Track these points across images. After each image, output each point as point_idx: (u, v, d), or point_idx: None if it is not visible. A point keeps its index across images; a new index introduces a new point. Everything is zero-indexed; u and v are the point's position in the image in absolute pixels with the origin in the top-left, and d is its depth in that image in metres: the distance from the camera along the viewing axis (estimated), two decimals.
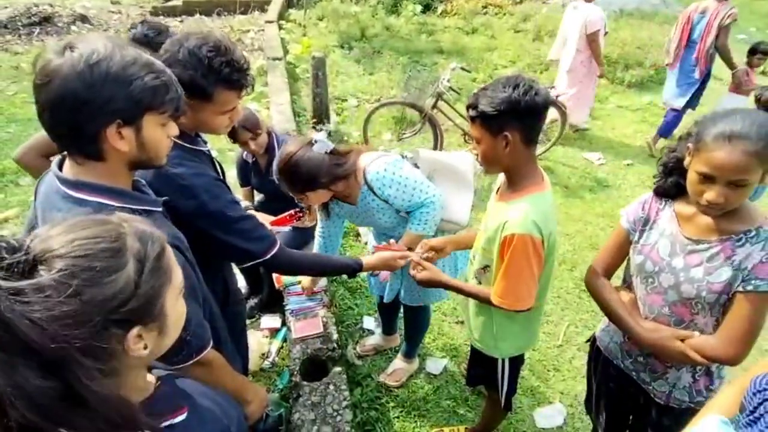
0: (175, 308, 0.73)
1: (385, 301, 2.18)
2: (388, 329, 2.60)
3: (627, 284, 1.49)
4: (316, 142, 1.65)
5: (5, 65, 6.92)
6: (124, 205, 0.96)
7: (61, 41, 0.91)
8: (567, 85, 4.78)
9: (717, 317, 1.25)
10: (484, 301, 1.50)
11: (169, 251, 0.73)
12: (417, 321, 2.35)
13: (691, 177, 1.17)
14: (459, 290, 1.60)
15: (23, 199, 3.82)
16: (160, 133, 0.98)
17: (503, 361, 1.71)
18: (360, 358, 2.58)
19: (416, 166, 1.90)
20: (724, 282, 1.19)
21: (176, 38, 1.24)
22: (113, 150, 0.92)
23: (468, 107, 1.36)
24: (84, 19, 8.41)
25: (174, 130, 1.03)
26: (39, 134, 1.83)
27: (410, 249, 1.72)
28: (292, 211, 2.06)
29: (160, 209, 1.07)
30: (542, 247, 1.35)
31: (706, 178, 1.12)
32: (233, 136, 2.46)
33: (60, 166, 0.99)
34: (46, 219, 0.97)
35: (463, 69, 4.56)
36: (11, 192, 3.95)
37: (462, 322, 2.81)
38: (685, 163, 1.21)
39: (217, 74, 1.21)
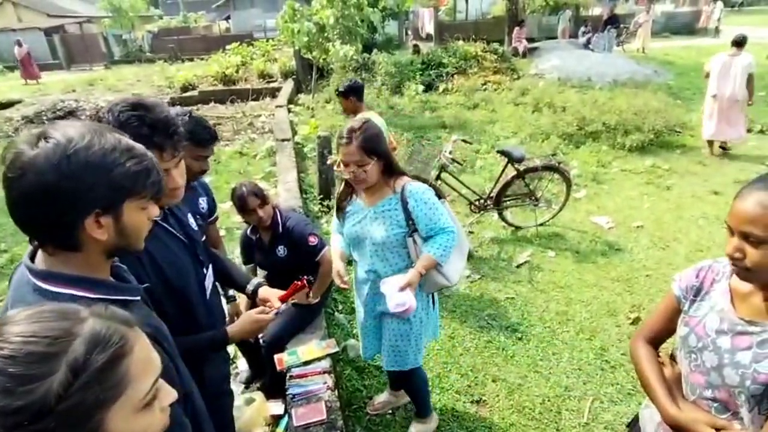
0: (132, 422, 0.64)
1: (363, 358, 2.30)
2: (395, 386, 2.55)
3: (672, 357, 1.34)
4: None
5: None
6: (100, 296, 0.90)
7: (33, 131, 0.86)
8: (731, 112, 6.06)
9: (767, 414, 1.07)
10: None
11: (135, 357, 0.64)
12: (411, 382, 2.30)
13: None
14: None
15: None
16: (140, 218, 0.93)
17: None
18: None
19: None
20: None
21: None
22: (91, 239, 0.87)
23: None
24: None
25: (155, 211, 0.98)
26: None
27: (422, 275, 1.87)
28: (296, 282, 1.99)
29: (138, 298, 1.01)
30: None
31: (729, 230, 1.06)
32: (242, 205, 2.47)
33: (32, 256, 0.93)
34: None
35: (464, 141, 4.69)
36: None
37: (479, 401, 2.62)
38: None
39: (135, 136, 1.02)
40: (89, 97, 10.33)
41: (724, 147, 6.44)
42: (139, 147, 0.92)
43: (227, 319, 2.19)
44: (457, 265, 2.03)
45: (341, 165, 1.85)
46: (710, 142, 6.35)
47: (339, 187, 2.08)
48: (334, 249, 2.13)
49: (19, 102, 10.60)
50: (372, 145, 1.80)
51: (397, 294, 1.81)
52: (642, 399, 2.54)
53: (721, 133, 6.20)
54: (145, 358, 0.66)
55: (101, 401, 0.59)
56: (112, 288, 0.95)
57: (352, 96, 4.01)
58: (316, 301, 2.64)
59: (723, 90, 6.01)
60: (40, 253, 0.93)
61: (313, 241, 2.52)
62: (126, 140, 0.91)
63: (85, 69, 21.20)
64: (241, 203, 2.47)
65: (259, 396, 2.60)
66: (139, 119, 1.21)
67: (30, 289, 0.88)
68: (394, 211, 1.89)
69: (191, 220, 1.55)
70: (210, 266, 1.64)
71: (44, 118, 8.66)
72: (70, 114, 8.80)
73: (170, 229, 1.41)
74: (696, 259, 3.95)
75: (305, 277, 1.89)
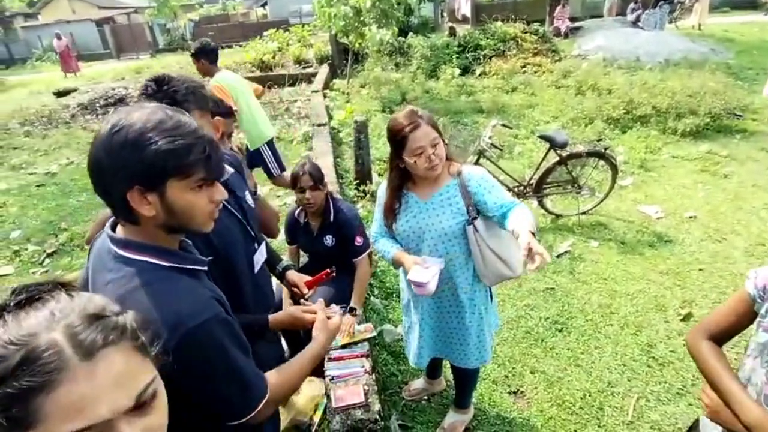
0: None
1: (416, 364, 2.21)
2: (432, 374, 2.56)
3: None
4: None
5: (83, 141, 7.71)
6: (173, 264, 0.96)
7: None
8: None
9: None
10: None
11: (60, 396, 0.54)
12: (466, 374, 2.26)
13: None
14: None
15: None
16: (190, 198, 0.94)
17: None
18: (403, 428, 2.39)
19: None
20: None
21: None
22: (143, 214, 0.92)
23: None
24: None
25: (218, 194, 1.00)
26: (101, 212, 1.94)
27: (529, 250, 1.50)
28: (327, 270, 2.01)
29: (205, 268, 1.06)
30: None
31: None
32: (294, 180, 2.44)
33: (114, 228, 1.01)
34: (95, 278, 0.98)
35: (504, 125, 4.55)
36: (77, 255, 4.22)
37: (516, 392, 2.57)
38: None
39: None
40: (137, 84, 10.72)
41: None
42: (187, 126, 0.92)
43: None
44: (518, 255, 1.93)
45: (412, 157, 1.72)
46: None
47: (382, 192, 1.95)
48: (394, 250, 1.93)
49: (75, 90, 11.19)
50: (435, 121, 1.75)
51: (424, 271, 1.73)
52: (693, 399, 2.44)
53: None
54: (75, 402, 0.54)
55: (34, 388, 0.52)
56: (182, 258, 1.00)
57: (203, 58, 3.82)
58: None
59: None
60: (119, 225, 1.00)
61: (359, 241, 2.50)
62: (177, 119, 0.92)
63: (133, 58, 22.03)
64: (294, 177, 2.47)
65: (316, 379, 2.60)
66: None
67: (111, 257, 0.95)
68: (454, 198, 1.82)
69: (248, 197, 1.60)
70: (263, 244, 1.66)
71: (97, 105, 9.10)
72: (120, 101, 9.21)
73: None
74: (757, 253, 3.70)
75: (331, 269, 1.92)
